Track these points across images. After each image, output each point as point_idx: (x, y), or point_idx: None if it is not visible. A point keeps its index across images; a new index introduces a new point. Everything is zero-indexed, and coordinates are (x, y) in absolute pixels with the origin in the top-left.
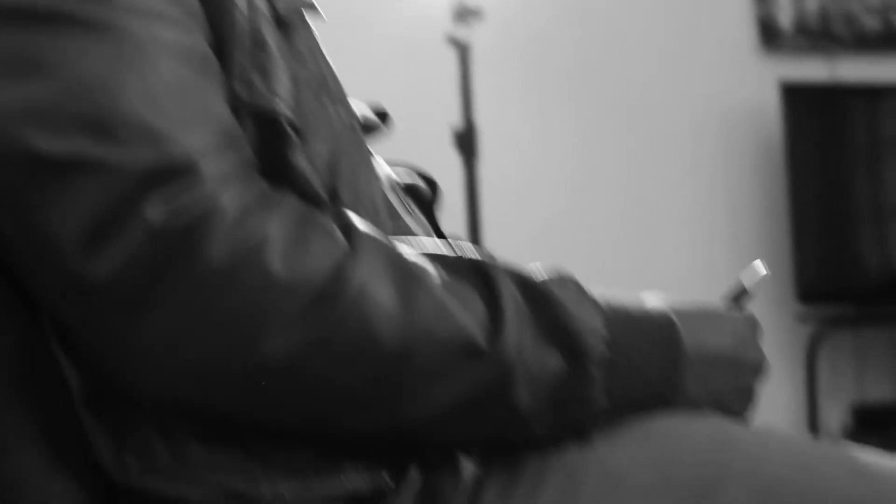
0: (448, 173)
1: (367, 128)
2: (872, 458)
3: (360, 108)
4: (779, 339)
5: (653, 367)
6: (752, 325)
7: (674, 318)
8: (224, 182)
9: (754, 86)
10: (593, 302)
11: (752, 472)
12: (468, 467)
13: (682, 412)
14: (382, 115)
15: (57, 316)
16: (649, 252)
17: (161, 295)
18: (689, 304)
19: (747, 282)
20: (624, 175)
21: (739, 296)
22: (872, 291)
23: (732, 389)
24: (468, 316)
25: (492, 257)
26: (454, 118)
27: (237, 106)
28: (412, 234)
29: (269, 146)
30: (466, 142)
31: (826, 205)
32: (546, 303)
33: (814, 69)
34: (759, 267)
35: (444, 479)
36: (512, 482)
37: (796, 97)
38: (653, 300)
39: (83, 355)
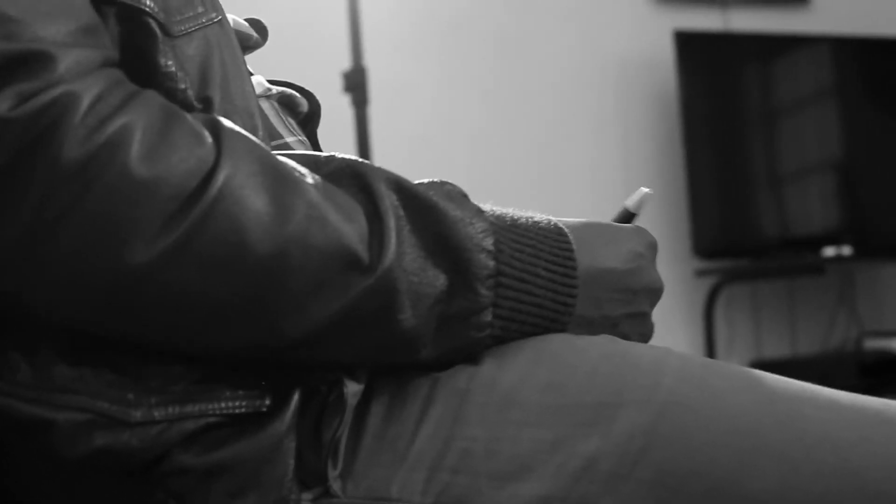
0: (338, 117)
1: (245, 47)
2: (771, 377)
3: (237, 23)
4: (676, 294)
5: (542, 284)
6: (649, 244)
7: (566, 232)
8: (81, 75)
9: (649, 35)
10: (479, 213)
11: (648, 394)
12: (353, 390)
13: (575, 335)
14: (261, 30)
15: None
16: (544, 204)
17: (10, 195)
18: (582, 221)
19: (631, 203)
20: (517, 123)
21: (624, 219)
22: (768, 246)
23: (627, 314)
24: (348, 226)
25: (370, 164)
26: (344, 62)
27: (99, 1)
28: (290, 148)
29: (134, 46)
30: (357, 87)
31: (721, 157)
32: (429, 213)
33: (707, 20)
34: (643, 189)
35: (327, 402)
36: (398, 404)
37: (689, 45)
38: (543, 216)
39: None
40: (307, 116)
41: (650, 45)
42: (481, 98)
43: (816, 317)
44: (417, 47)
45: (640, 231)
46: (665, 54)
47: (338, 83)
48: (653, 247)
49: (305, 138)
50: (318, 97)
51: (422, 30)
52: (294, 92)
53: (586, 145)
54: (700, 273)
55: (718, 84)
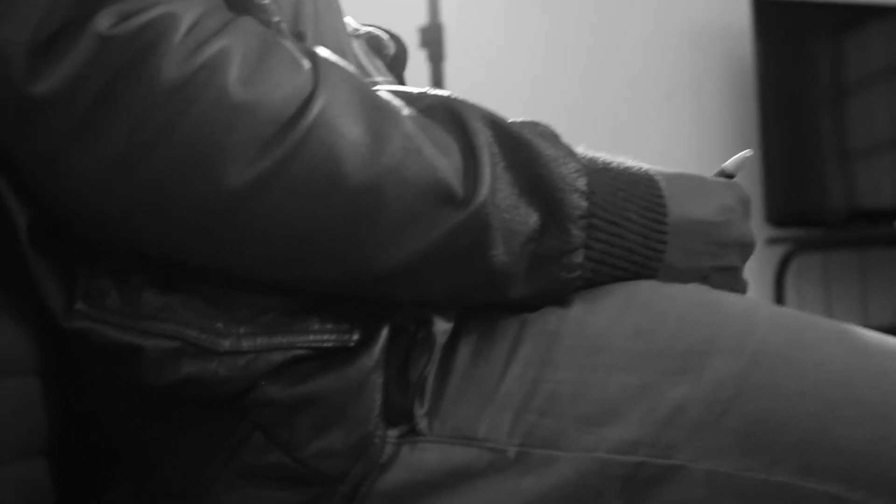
0: (415, 74)
1: None
2: (863, 331)
3: None
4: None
5: (633, 229)
6: (741, 199)
7: (657, 179)
8: None
9: (727, 2)
10: (572, 153)
11: (739, 343)
12: (441, 328)
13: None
14: None
15: (2, 141)
16: None
17: (108, 112)
18: (674, 171)
19: (730, 165)
20: (592, 89)
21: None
22: (840, 216)
23: (716, 267)
24: (443, 159)
25: (464, 101)
26: (421, 17)
27: None
28: None
29: None
30: (433, 43)
31: (796, 125)
32: (522, 151)
33: None
34: (745, 152)
35: (415, 340)
36: (486, 344)
37: (768, 12)
38: (634, 162)
39: (28, 187)
40: (394, 59)
41: (727, 12)
42: (557, 62)
43: (888, 289)
44: (494, 7)
45: (733, 185)
46: (742, 22)
47: (414, 38)
48: (745, 202)
49: (394, 79)
50: None
51: None
52: (382, 34)
53: (661, 112)
54: (772, 241)
55: (796, 53)
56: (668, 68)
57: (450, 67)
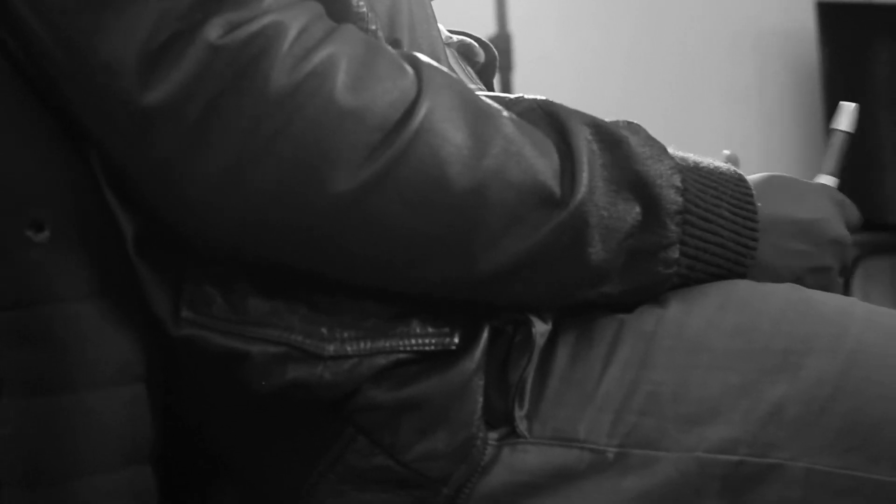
0: None
1: None
2: None
3: None
4: None
5: (726, 225)
6: (835, 200)
7: (745, 178)
8: (287, 6)
9: (790, 5)
10: (665, 151)
11: (836, 342)
12: (540, 330)
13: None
14: None
15: (112, 153)
16: None
17: (219, 120)
18: (767, 175)
19: (842, 124)
20: (656, 95)
21: (841, 142)
22: None
23: (810, 268)
24: (543, 161)
25: (561, 104)
26: (489, 29)
27: None
28: None
29: None
30: (501, 53)
31: (863, 128)
32: (620, 149)
33: None
34: (845, 104)
35: (513, 342)
36: (585, 346)
37: (832, 16)
38: (722, 163)
39: (137, 197)
40: (483, 67)
41: (791, 14)
42: (621, 67)
43: None
44: (562, 16)
45: (825, 186)
46: (806, 25)
47: None
48: (840, 203)
49: (483, 87)
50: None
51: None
52: (472, 41)
53: (725, 116)
54: None
55: (860, 56)
56: (733, 72)
57: (518, 77)
